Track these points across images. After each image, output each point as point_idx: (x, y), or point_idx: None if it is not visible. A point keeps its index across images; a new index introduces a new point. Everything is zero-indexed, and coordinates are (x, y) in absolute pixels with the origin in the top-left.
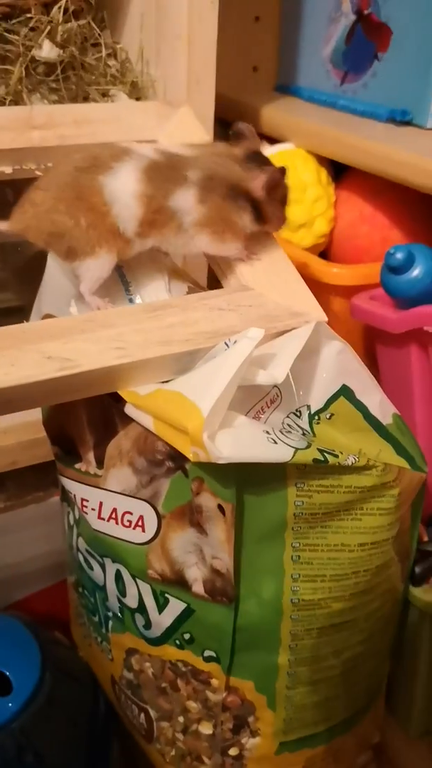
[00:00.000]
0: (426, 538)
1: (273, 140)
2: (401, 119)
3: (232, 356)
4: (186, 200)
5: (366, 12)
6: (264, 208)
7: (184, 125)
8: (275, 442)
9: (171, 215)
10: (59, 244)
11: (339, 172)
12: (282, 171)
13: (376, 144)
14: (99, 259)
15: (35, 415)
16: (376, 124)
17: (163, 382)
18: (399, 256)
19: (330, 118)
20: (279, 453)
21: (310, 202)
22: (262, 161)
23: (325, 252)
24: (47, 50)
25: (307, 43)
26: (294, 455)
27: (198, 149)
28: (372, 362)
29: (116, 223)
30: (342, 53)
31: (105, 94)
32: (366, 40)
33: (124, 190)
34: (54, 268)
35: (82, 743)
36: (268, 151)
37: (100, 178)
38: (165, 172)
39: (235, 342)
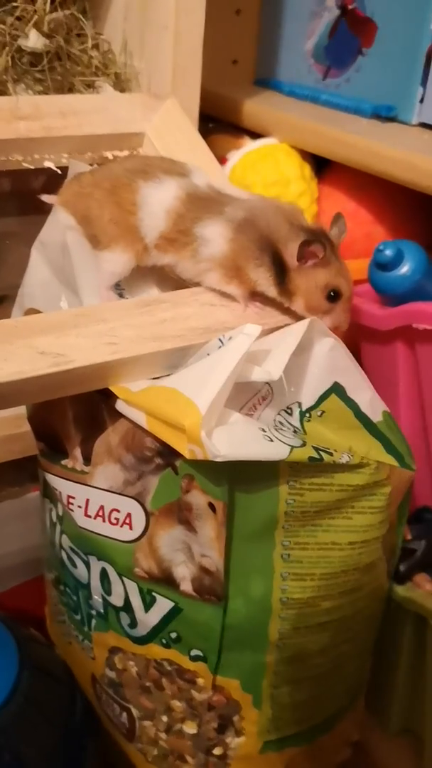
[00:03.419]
0: (409, 536)
1: (255, 135)
2: (386, 115)
3: (229, 352)
4: (212, 231)
5: (350, 6)
6: (292, 279)
7: (170, 117)
8: (271, 440)
9: (192, 240)
10: (87, 229)
11: (320, 167)
12: (326, 247)
13: (362, 139)
14: (114, 254)
15: (12, 410)
16: (360, 119)
17: (154, 379)
18: (388, 252)
19: (314, 113)
20: (275, 451)
21: (293, 198)
22: (316, 233)
23: None
24: (34, 40)
25: (288, 37)
26: (290, 453)
27: (257, 197)
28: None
29: (138, 227)
30: (324, 48)
31: (90, 86)
32: (350, 35)
33: (159, 199)
34: (39, 262)
35: (59, 742)
36: (251, 145)
37: (140, 181)
38: (206, 201)
39: (229, 339)
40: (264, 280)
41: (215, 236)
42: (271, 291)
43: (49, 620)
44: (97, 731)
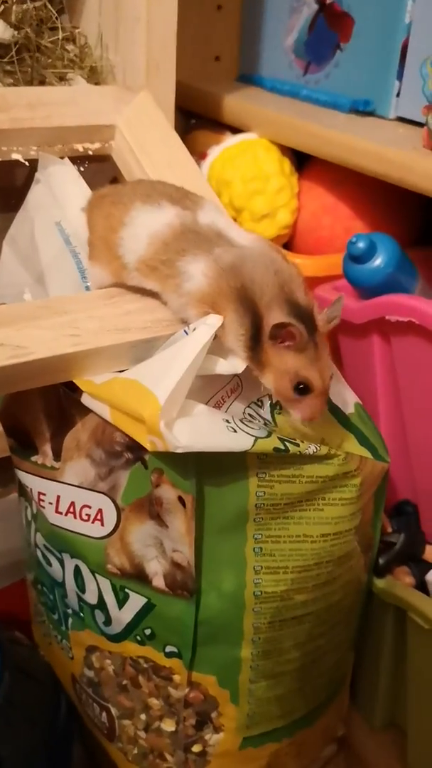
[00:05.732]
0: (389, 529)
1: (235, 130)
2: (363, 109)
3: (190, 343)
4: (194, 268)
5: (328, 1)
6: (265, 350)
7: (143, 110)
8: (235, 431)
9: (175, 273)
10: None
11: (301, 162)
12: (304, 332)
13: (339, 134)
14: (93, 269)
15: None
16: (338, 114)
17: (120, 371)
18: (361, 245)
19: (292, 108)
20: (239, 442)
21: (273, 193)
22: (300, 313)
23: (287, 243)
24: (1, 30)
25: (269, 32)
26: (254, 444)
27: (257, 246)
28: (333, 353)
29: (117, 245)
30: (304, 43)
31: (62, 78)
32: (328, 30)
33: (146, 224)
34: (7, 255)
35: (42, 744)
36: (230, 141)
37: (137, 202)
38: (198, 237)
39: (194, 329)
40: (235, 336)
41: (196, 273)
42: (240, 351)
43: (32, 622)
44: (81, 733)
